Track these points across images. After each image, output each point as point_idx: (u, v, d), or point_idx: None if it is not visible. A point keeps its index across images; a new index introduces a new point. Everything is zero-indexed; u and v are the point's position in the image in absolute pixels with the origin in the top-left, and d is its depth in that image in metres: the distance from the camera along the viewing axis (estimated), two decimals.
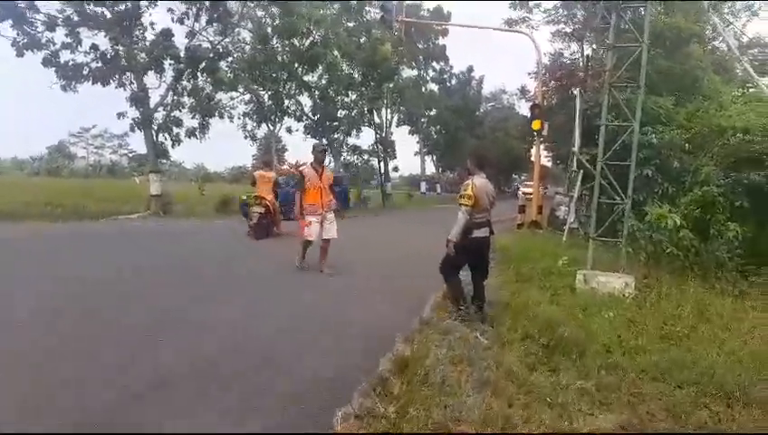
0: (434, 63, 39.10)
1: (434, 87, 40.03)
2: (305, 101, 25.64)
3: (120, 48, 16.11)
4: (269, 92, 24.06)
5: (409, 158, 69.14)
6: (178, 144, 18.05)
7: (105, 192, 21.18)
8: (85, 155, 57.33)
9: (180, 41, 17.21)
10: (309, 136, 25.86)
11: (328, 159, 15.77)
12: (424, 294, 6.00)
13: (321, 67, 23.22)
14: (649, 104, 9.52)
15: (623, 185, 7.07)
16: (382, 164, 28.82)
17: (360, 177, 30.06)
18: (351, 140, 27.54)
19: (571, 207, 11.85)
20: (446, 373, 3.65)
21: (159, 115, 17.59)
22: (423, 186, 44.10)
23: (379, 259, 9.06)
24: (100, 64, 16.12)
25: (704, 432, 3.16)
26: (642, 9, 8.57)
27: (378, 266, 8.27)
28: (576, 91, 12.43)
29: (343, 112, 25.92)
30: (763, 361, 4.19)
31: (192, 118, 18.85)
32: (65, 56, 15.77)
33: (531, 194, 18.11)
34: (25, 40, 14.88)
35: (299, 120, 25.93)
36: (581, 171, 10.99)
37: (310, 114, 25.63)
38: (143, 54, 16.70)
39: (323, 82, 24.64)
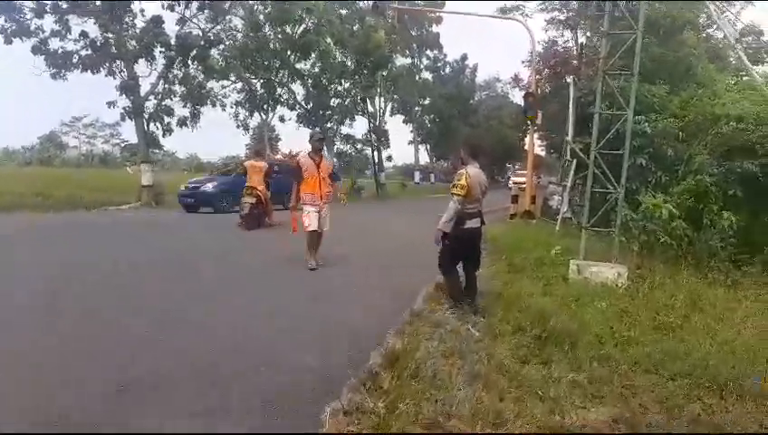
0: (428, 51, 38.65)
1: (428, 75, 39.71)
2: (298, 89, 25.48)
3: (110, 35, 15.87)
4: (261, 81, 23.83)
5: (403, 147, 68.67)
6: (170, 134, 17.91)
7: (97, 182, 21.02)
8: (77, 144, 56.76)
9: (171, 28, 17.00)
10: (302, 125, 25.77)
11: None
12: (416, 286, 5.92)
13: (313, 55, 23.00)
14: (643, 92, 9.45)
15: (616, 174, 6.99)
16: (376, 153, 28.69)
17: (354, 166, 29.88)
18: (345, 129, 27.44)
19: (564, 196, 11.81)
20: (437, 367, 3.61)
21: (150, 104, 17.40)
22: (417, 175, 43.95)
23: (373, 249, 8.99)
24: (89, 52, 15.90)
25: (697, 432, 3.12)
26: None
27: (372, 257, 8.20)
28: (570, 79, 12.34)
29: (336, 101, 25.69)
30: (756, 352, 4.17)
31: (183, 107, 18.70)
32: (54, 44, 15.57)
33: (522, 184, 18.06)
34: (14, 27, 14.63)
35: (292, 108, 25.78)
36: (575, 160, 10.94)
37: (303, 103, 25.41)
38: (133, 42, 16.48)
39: (316, 69, 24.41)
